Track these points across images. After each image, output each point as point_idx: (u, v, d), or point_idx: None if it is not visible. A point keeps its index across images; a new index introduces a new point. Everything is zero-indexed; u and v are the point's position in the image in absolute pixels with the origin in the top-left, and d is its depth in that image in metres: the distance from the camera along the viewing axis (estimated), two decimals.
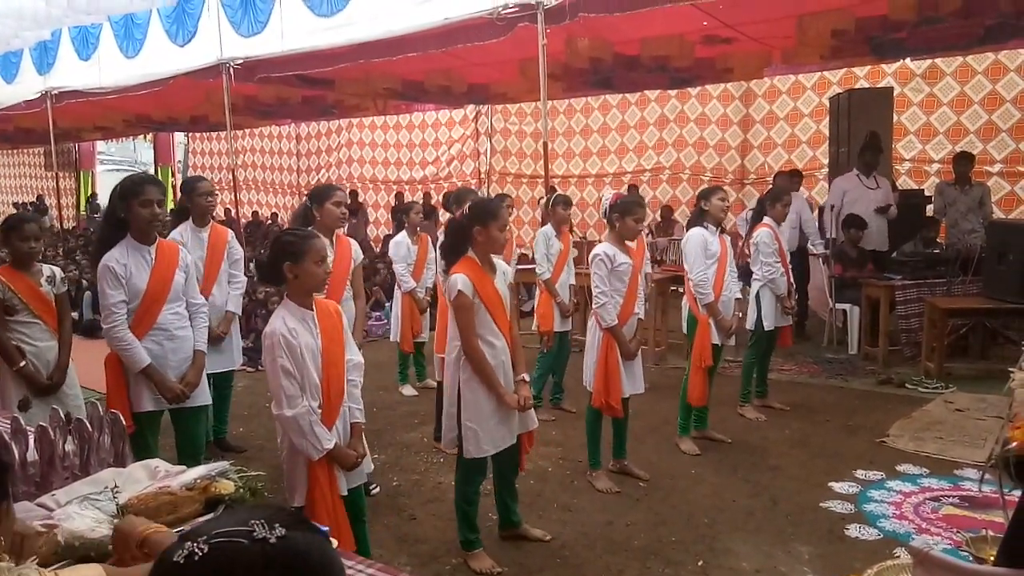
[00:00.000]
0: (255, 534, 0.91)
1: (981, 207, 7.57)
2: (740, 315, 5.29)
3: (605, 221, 4.46)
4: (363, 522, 3.12)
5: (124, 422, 3.31)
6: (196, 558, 0.90)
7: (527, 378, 3.53)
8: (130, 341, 3.38)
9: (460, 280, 3.31)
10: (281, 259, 2.78)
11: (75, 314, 8.37)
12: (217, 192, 4.95)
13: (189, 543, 0.91)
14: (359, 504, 3.09)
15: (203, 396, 3.67)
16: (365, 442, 3.04)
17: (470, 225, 3.37)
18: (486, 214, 3.37)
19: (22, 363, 3.63)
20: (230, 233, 4.87)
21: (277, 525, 0.93)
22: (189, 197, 4.68)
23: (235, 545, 0.90)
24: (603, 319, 4.24)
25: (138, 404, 3.44)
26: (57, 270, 3.91)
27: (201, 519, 1.88)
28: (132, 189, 3.38)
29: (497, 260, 3.53)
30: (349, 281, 4.19)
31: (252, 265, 8.42)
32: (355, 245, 4.35)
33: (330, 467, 2.84)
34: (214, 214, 4.93)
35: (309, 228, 4.01)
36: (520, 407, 3.42)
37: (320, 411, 2.81)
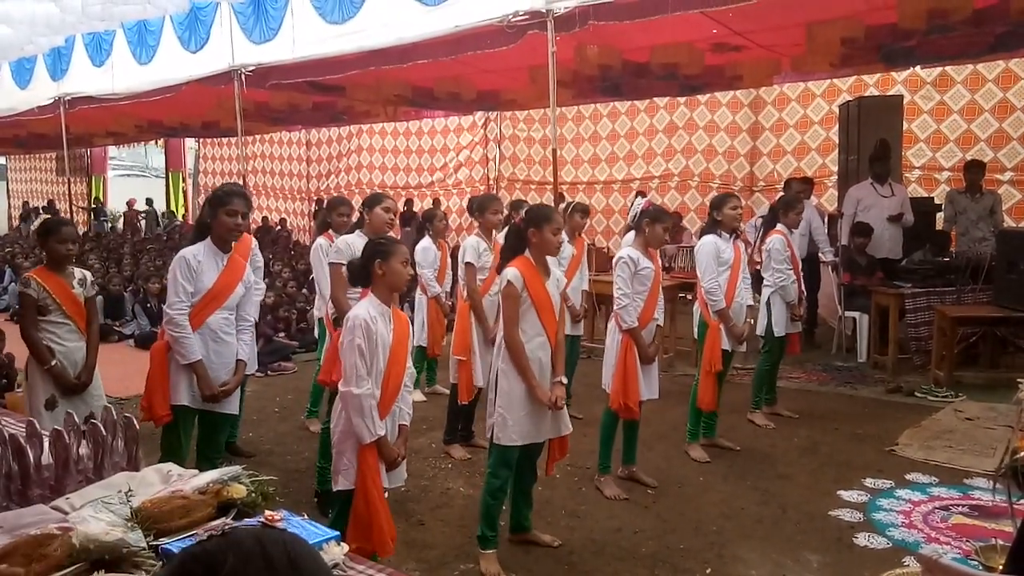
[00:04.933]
0: (267, 525, 1.03)
1: (992, 215, 7.55)
2: (751, 322, 5.29)
3: (632, 225, 4.50)
4: None
5: (158, 410, 3.47)
6: (219, 533, 1.02)
7: (564, 380, 3.61)
8: (188, 331, 3.49)
9: (511, 272, 3.48)
10: (373, 258, 3.05)
11: None
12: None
13: (207, 533, 1.02)
14: None
15: (233, 405, 3.75)
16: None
17: (526, 228, 3.54)
18: (540, 218, 3.55)
19: (53, 362, 3.70)
20: (253, 240, 4.85)
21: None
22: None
23: (254, 528, 1.01)
24: (624, 320, 4.27)
25: (175, 396, 3.54)
26: (88, 274, 3.99)
27: (214, 523, 1.90)
28: (222, 199, 3.59)
29: (552, 268, 3.67)
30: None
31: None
32: None
33: (377, 457, 3.00)
34: None
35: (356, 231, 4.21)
36: (551, 405, 3.49)
37: (377, 400, 2.98)
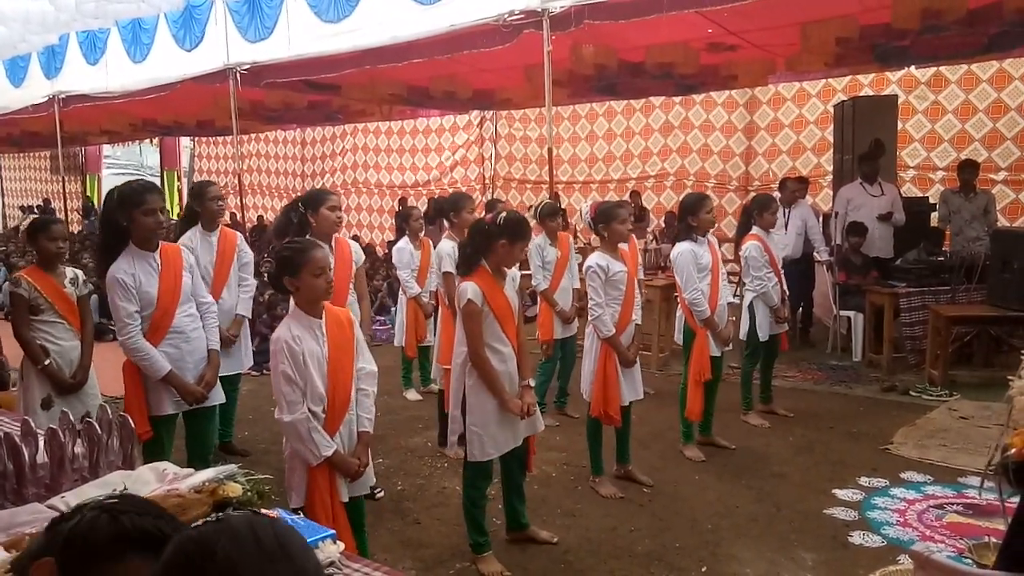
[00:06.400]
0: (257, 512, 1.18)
1: (986, 215, 7.57)
2: (734, 319, 5.27)
3: (592, 232, 4.46)
4: (363, 530, 3.14)
5: (139, 427, 3.38)
6: (213, 519, 1.09)
7: (532, 384, 3.57)
8: (148, 351, 3.40)
9: (470, 288, 3.34)
10: (281, 273, 2.84)
11: None
12: (225, 196, 4.98)
13: (203, 519, 1.13)
14: (359, 512, 3.11)
15: (218, 395, 3.71)
16: (369, 452, 3.04)
17: (498, 235, 3.37)
18: (517, 233, 3.38)
19: (47, 362, 3.69)
20: (239, 236, 4.89)
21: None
22: (199, 201, 4.69)
23: (245, 515, 1.13)
24: (600, 331, 4.23)
25: (158, 408, 3.48)
26: (80, 272, 3.97)
27: None
28: (133, 198, 3.37)
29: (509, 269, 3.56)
30: (352, 284, 4.22)
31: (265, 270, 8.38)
32: (355, 247, 4.36)
33: (331, 473, 2.86)
34: (223, 218, 4.95)
35: (306, 235, 4.06)
36: (523, 415, 3.45)
37: (324, 416, 2.84)
